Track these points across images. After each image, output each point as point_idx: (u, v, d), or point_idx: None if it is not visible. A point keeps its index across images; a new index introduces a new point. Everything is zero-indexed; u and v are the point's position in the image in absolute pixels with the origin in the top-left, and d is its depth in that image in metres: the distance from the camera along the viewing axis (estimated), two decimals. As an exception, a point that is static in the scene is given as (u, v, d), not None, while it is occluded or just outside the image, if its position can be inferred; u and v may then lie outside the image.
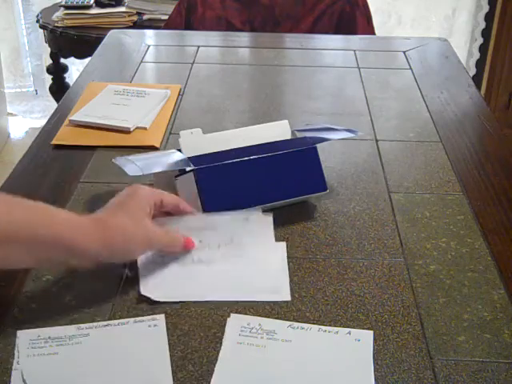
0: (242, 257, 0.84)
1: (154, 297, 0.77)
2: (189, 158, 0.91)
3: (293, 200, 0.94)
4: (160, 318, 0.75)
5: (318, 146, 0.95)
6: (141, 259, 0.82)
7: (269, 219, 0.89)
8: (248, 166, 0.91)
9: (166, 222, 0.85)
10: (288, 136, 0.98)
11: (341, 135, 1.02)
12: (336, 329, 0.74)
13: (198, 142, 0.94)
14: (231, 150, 0.93)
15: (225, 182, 0.90)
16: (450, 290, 0.81)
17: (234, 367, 0.69)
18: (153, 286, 0.79)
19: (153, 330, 0.73)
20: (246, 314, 0.76)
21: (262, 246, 0.86)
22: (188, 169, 0.89)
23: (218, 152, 0.93)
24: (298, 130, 1.00)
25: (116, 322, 0.74)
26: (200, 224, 0.87)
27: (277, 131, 0.98)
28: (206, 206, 0.88)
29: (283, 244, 0.87)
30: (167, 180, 0.93)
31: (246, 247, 0.85)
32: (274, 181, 0.92)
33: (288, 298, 0.79)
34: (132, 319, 0.74)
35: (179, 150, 0.94)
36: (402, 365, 0.70)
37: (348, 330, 0.74)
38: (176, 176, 0.90)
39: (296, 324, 0.74)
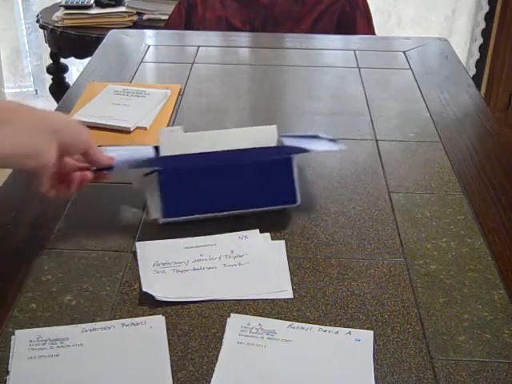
0: (242, 264, 0.84)
1: (157, 295, 0.77)
2: (158, 158, 0.90)
3: (261, 210, 0.92)
4: (160, 318, 0.75)
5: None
6: (141, 266, 0.83)
7: (266, 236, 0.89)
8: (214, 173, 0.90)
9: (166, 244, 0.86)
10: (273, 142, 0.95)
11: (324, 147, 0.99)
12: (336, 329, 0.74)
13: (177, 141, 0.93)
14: (203, 153, 0.92)
15: (188, 187, 0.89)
16: (450, 290, 0.81)
17: (234, 367, 0.69)
18: (155, 286, 0.79)
19: (153, 330, 0.73)
20: (245, 313, 0.76)
21: (261, 249, 0.87)
22: (153, 169, 0.88)
23: (189, 154, 0.91)
24: (283, 136, 0.97)
25: (116, 322, 0.74)
26: (199, 243, 0.87)
27: (262, 136, 0.95)
28: (165, 208, 0.88)
29: (281, 242, 0.88)
30: (140, 176, 0.92)
31: (245, 256, 0.85)
32: (241, 189, 0.90)
33: (290, 295, 0.79)
34: (132, 319, 0.74)
35: (157, 147, 0.93)
36: (402, 365, 0.70)
37: (348, 329, 0.74)
38: (145, 174, 0.89)
39: (296, 324, 0.74)
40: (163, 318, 0.75)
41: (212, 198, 0.90)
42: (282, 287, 0.80)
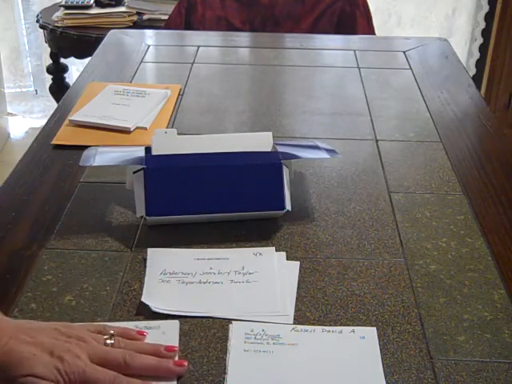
0: (250, 282, 0.81)
1: (153, 306, 0.76)
2: (147, 156, 0.90)
3: (248, 215, 0.90)
4: (174, 323, 0.73)
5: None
6: (148, 272, 0.82)
7: (282, 255, 0.86)
8: (201, 173, 0.89)
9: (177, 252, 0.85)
10: (268, 148, 0.95)
11: (317, 155, 0.97)
12: (339, 328, 0.74)
13: (170, 143, 0.93)
14: (191, 154, 0.91)
15: (174, 186, 0.88)
16: (450, 290, 0.81)
17: (246, 376, 0.67)
18: (154, 296, 0.78)
19: (166, 336, 0.72)
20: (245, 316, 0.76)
21: (273, 268, 0.83)
22: (140, 167, 0.88)
23: (178, 154, 0.91)
24: (279, 144, 0.96)
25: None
26: (211, 255, 0.85)
27: (257, 142, 0.95)
28: (150, 206, 0.87)
29: (296, 264, 0.84)
30: (131, 174, 0.92)
31: (256, 274, 0.82)
32: (227, 191, 0.89)
33: (290, 320, 0.75)
34: (146, 322, 0.73)
35: (148, 148, 0.93)
36: (401, 365, 0.70)
37: (351, 328, 0.73)
38: (134, 172, 0.89)
39: (299, 327, 0.74)
40: (177, 322, 0.74)
41: (197, 199, 0.88)
42: (284, 311, 0.76)
